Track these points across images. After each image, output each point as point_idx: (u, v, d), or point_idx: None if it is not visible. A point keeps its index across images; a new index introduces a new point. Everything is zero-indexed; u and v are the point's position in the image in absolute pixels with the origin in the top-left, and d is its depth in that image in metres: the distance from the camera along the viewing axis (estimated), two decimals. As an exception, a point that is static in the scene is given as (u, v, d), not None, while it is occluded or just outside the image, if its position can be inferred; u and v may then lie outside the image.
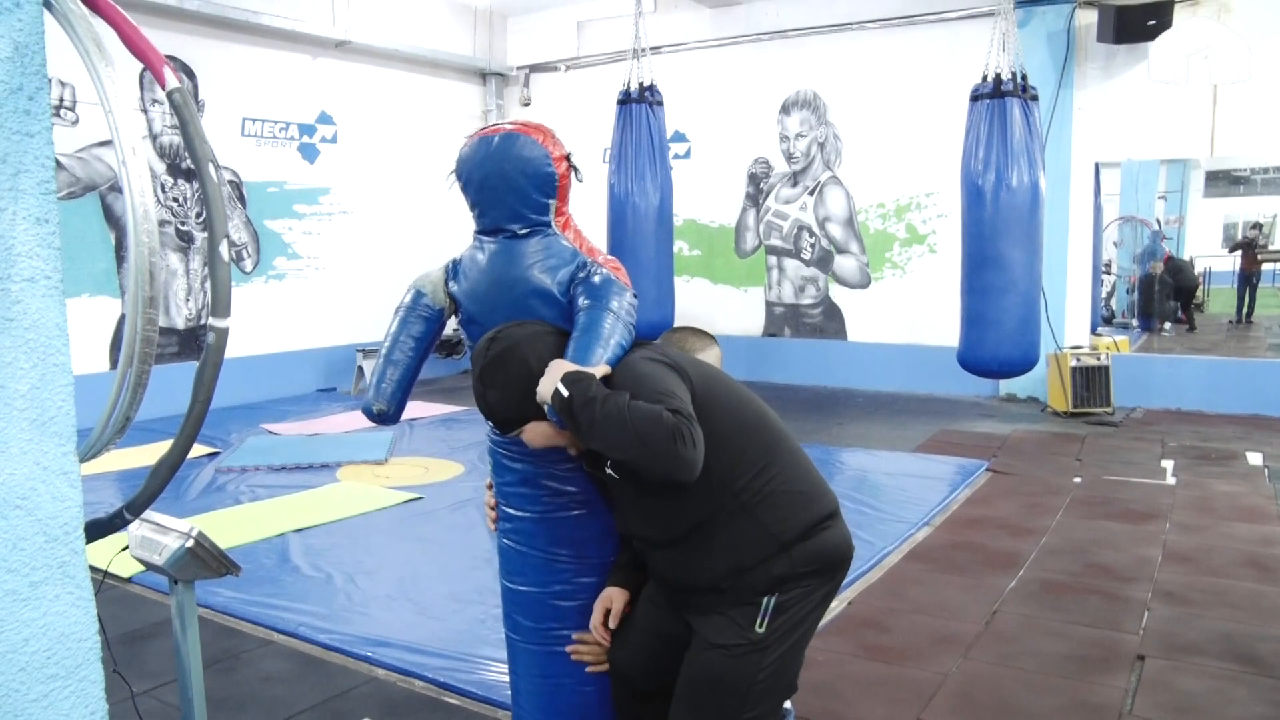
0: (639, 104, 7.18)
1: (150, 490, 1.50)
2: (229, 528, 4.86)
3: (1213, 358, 9.97)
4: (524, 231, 2.13)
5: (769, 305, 9.93)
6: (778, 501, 1.96)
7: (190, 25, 8.19)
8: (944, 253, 8.58)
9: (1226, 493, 5.49)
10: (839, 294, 9.51)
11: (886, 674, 3.31)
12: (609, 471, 1.98)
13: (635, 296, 2.13)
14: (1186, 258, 14.95)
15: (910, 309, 9.05)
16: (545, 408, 1.90)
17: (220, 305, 1.43)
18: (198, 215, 8.40)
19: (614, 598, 2.17)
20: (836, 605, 3.84)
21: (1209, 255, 17.10)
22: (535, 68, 11.01)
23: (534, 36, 10.95)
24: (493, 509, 2.34)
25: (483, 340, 2.01)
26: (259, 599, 4.00)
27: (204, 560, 2.13)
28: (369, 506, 5.38)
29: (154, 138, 8.14)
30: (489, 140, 2.14)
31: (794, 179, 9.62)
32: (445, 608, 3.94)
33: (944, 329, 7.88)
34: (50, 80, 1.29)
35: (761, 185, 9.83)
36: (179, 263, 8.36)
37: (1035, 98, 5.70)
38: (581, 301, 2.06)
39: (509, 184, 2.10)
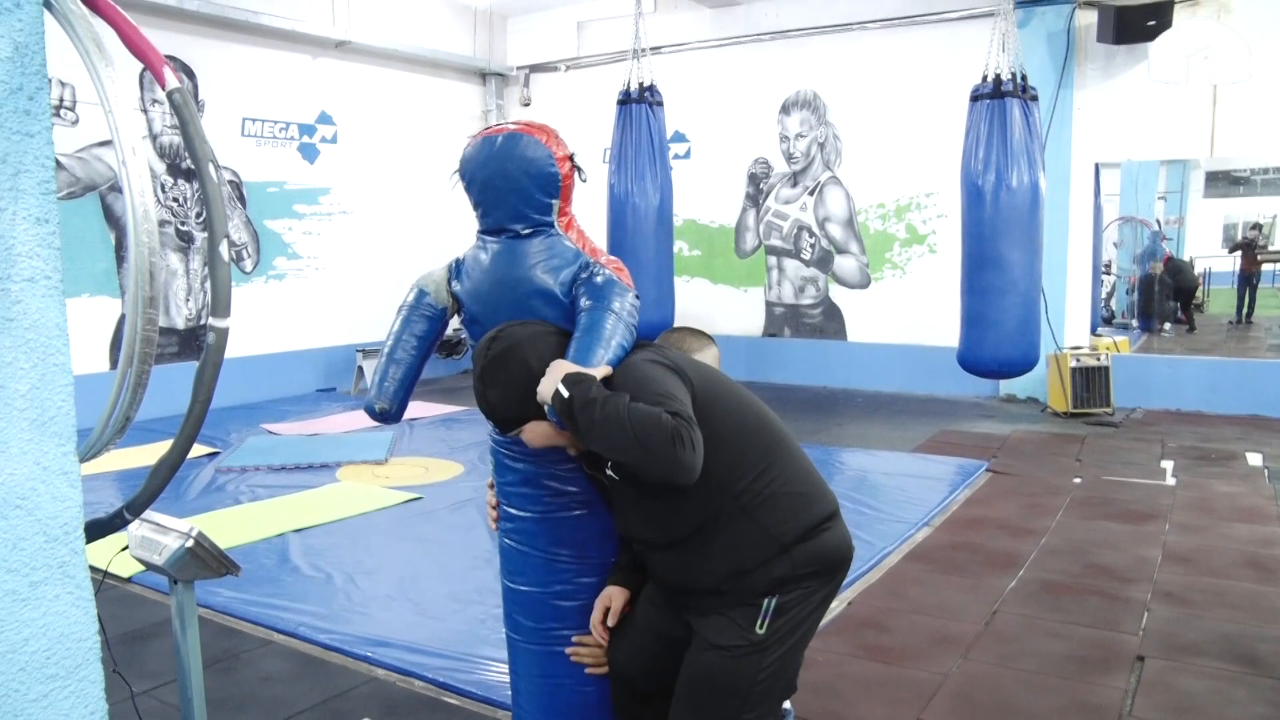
0: (639, 104, 7.18)
1: (150, 490, 1.50)
2: (229, 528, 4.86)
3: (1213, 358, 9.97)
4: (527, 231, 2.13)
5: (769, 305, 9.93)
6: (778, 503, 1.96)
7: (190, 25, 8.19)
8: (944, 253, 8.58)
9: (1226, 493, 5.49)
10: (839, 294, 9.51)
11: (886, 674, 3.31)
12: (609, 473, 1.98)
13: (637, 298, 2.13)
14: (1186, 258, 14.95)
15: (910, 309, 9.05)
16: (545, 408, 1.90)
17: (220, 305, 1.43)
18: (198, 215, 8.40)
19: (614, 596, 2.17)
20: (836, 605, 3.84)
21: (1209, 256, 17.10)
22: (535, 68, 11.01)
23: (534, 37, 10.95)
24: (494, 508, 2.34)
25: (484, 339, 2.02)
26: (259, 599, 4.00)
27: (204, 560, 2.13)
28: (369, 506, 5.38)
29: (154, 138, 8.14)
30: (492, 140, 2.14)
31: (794, 179, 9.62)
32: (445, 608, 3.93)
33: (944, 329, 7.88)
34: (50, 80, 1.29)
35: (761, 185, 9.83)
36: (179, 263, 8.36)
37: (1035, 98, 5.70)
38: (583, 302, 2.06)
39: (512, 184, 2.10)
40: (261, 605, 3.94)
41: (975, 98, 5.68)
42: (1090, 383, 7.78)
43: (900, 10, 8.76)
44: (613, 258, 2.19)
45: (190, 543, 2.10)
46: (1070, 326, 8.25)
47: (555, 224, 2.15)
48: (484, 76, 11.06)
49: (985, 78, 5.64)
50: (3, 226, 1.22)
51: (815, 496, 2.03)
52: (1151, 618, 3.75)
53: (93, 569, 1.39)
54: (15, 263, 1.23)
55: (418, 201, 10.21)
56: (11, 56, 1.22)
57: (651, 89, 7.24)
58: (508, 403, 1.97)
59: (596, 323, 2.02)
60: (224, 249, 1.43)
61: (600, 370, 1.93)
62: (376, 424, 6.90)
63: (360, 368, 9.26)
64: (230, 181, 8.70)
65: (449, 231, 9.71)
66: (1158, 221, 13.79)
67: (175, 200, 8.29)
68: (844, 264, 9.44)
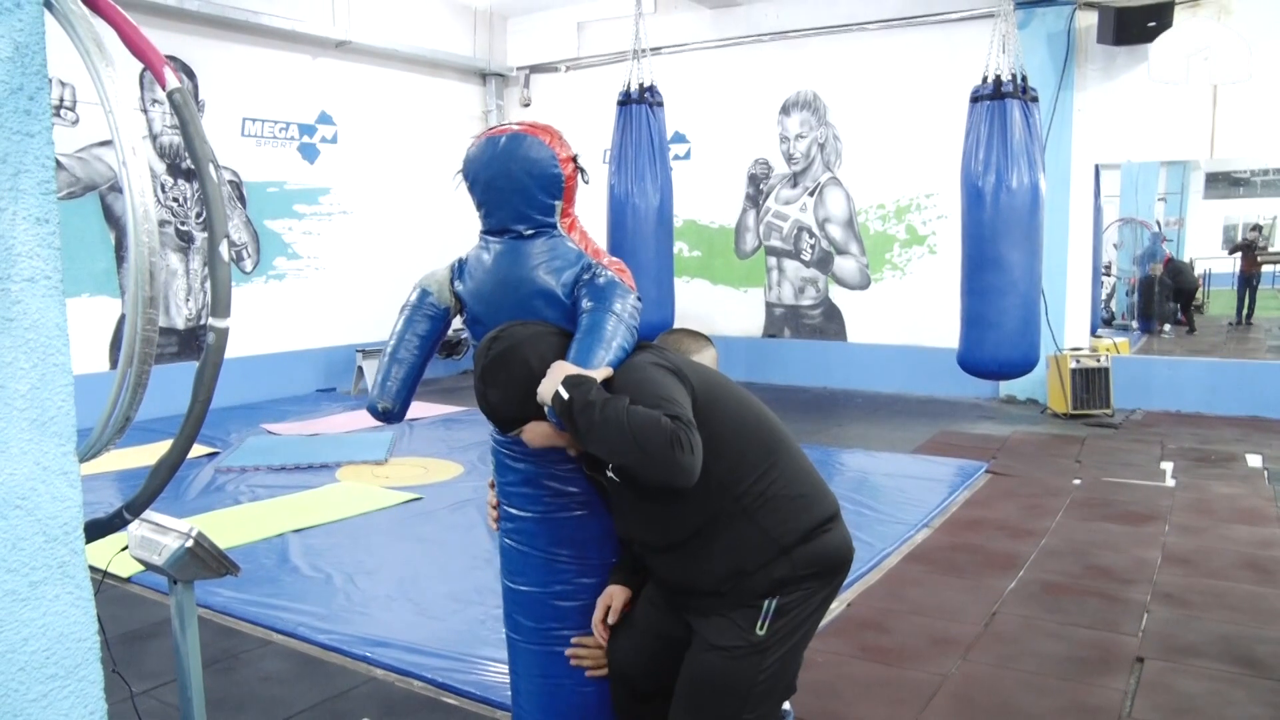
0: (639, 105, 7.18)
1: (150, 490, 1.50)
2: (228, 528, 4.86)
3: (1212, 359, 9.97)
4: (530, 232, 2.13)
5: (769, 306, 9.93)
6: (778, 505, 1.96)
7: (190, 25, 8.19)
8: (944, 254, 8.58)
9: (1226, 495, 5.49)
10: (839, 295, 9.51)
11: (886, 675, 3.31)
12: (610, 475, 1.98)
13: (639, 299, 2.13)
14: (1186, 259, 14.95)
15: (910, 310, 9.05)
16: (545, 409, 1.90)
17: (220, 305, 1.43)
18: (198, 215, 8.40)
19: (614, 595, 2.17)
20: (836, 606, 3.84)
21: (1209, 257, 17.09)
22: (535, 68, 11.01)
23: (534, 37, 10.95)
24: (494, 508, 2.34)
25: (485, 339, 2.02)
26: (258, 599, 4.00)
27: (203, 560, 2.13)
28: (368, 507, 5.38)
29: (154, 138, 8.15)
30: (496, 140, 2.14)
31: (794, 180, 9.63)
32: (445, 608, 3.93)
33: (944, 330, 7.88)
34: (50, 80, 1.29)
35: (761, 186, 9.83)
36: (179, 263, 8.36)
37: (1035, 99, 5.70)
38: (585, 303, 2.07)
39: (515, 184, 2.10)
40: (261, 605, 3.94)
41: (975, 99, 5.68)
42: (1090, 384, 7.78)
43: (900, 11, 8.76)
44: (615, 259, 2.20)
45: (190, 543, 2.10)
46: (1070, 328, 8.25)
47: (558, 225, 2.16)
48: (484, 77, 11.07)
49: (985, 79, 5.64)
50: (3, 226, 1.22)
51: (816, 498, 2.03)
52: (1151, 619, 3.75)
53: (92, 569, 1.39)
54: (15, 262, 1.23)
55: (418, 202, 10.21)
56: (12, 56, 1.22)
57: (652, 89, 7.24)
58: (508, 403, 1.97)
59: (598, 324, 2.02)
60: (224, 249, 1.43)
61: (601, 372, 1.93)
62: (376, 424, 6.91)
63: (360, 368, 9.26)
64: (230, 181, 8.70)
65: (449, 232, 9.71)
66: (1158, 223, 13.78)
67: (175, 200, 8.29)
68: (844, 265, 9.44)
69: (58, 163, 6.80)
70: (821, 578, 2.00)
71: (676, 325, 7.27)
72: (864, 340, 9.37)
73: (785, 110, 9.57)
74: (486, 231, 2.19)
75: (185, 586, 2.20)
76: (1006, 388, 8.56)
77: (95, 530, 1.45)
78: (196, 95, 8.32)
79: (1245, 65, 6.88)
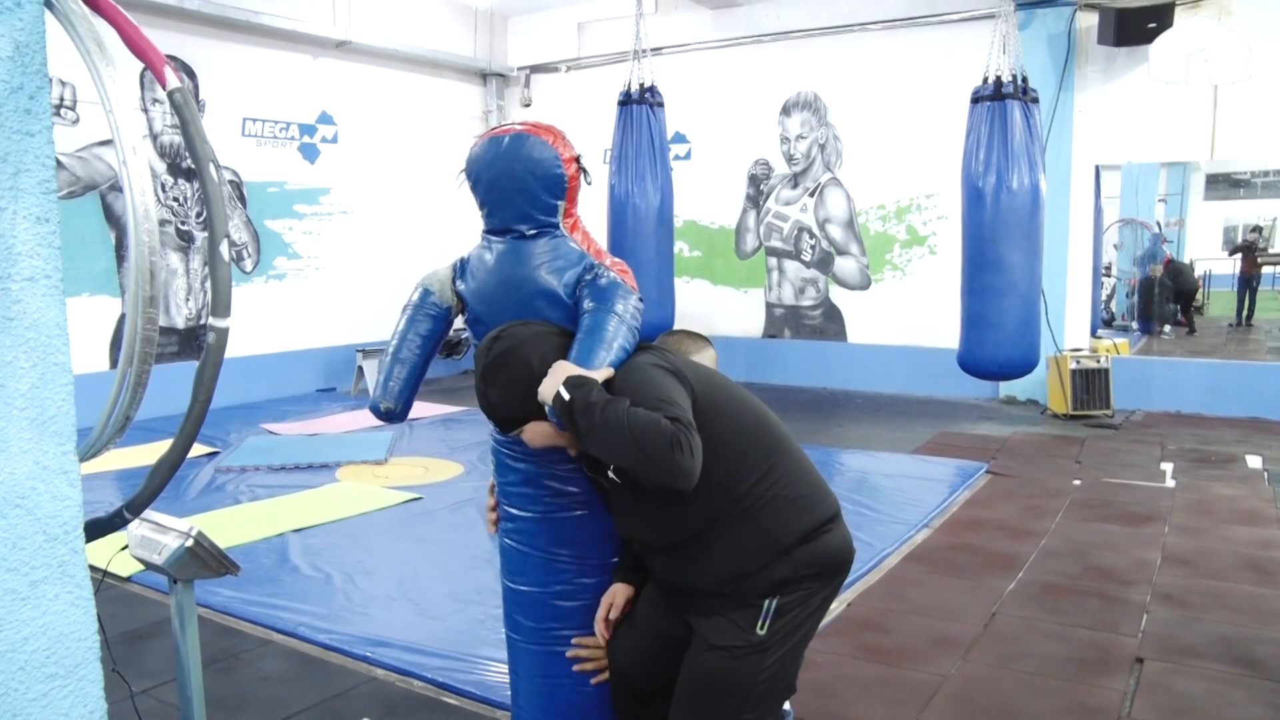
0: (640, 105, 7.18)
1: (150, 490, 1.50)
2: (228, 527, 4.86)
3: (1212, 361, 9.97)
4: (532, 232, 2.13)
5: (769, 307, 9.93)
6: (779, 506, 1.96)
7: (191, 25, 8.19)
8: (944, 254, 8.58)
9: (1226, 496, 5.49)
10: (839, 295, 9.51)
11: (885, 675, 3.31)
12: (611, 476, 1.98)
13: (641, 300, 2.13)
14: (1187, 260, 14.95)
15: (910, 311, 9.05)
16: (546, 409, 1.90)
17: (220, 305, 1.43)
18: (198, 215, 8.40)
19: (617, 593, 2.18)
20: (836, 607, 3.84)
21: (1209, 258, 17.08)
22: (536, 68, 11.01)
23: (535, 37, 10.95)
24: (493, 510, 2.34)
25: (486, 339, 2.02)
26: (258, 599, 4.00)
27: (203, 560, 2.13)
28: (368, 506, 5.38)
29: (154, 137, 8.15)
30: (499, 140, 2.14)
31: (794, 180, 9.62)
32: (444, 608, 3.93)
33: (944, 331, 7.88)
34: (51, 79, 1.29)
35: (762, 186, 9.83)
36: (179, 262, 8.36)
37: (1036, 100, 5.70)
38: (587, 304, 2.07)
39: (518, 184, 2.10)
40: (261, 605, 3.94)
41: (976, 99, 5.68)
42: (1090, 385, 7.78)
43: (901, 12, 8.76)
44: (617, 260, 2.20)
45: (190, 542, 2.10)
46: (1070, 328, 8.25)
47: (560, 225, 2.16)
48: (484, 77, 11.07)
49: (986, 79, 5.64)
50: (3, 225, 1.22)
51: (817, 498, 2.03)
52: (1150, 620, 3.75)
53: (92, 568, 1.39)
54: (15, 262, 1.23)
55: (418, 202, 10.21)
56: (12, 55, 1.22)
57: (652, 90, 7.24)
58: (509, 402, 1.97)
59: (599, 324, 2.02)
60: (224, 249, 1.43)
61: (602, 372, 1.93)
62: (376, 424, 6.90)
63: (360, 368, 9.26)
64: (231, 181, 8.70)
65: (450, 232, 9.71)
66: (1158, 224, 13.79)
67: (175, 200, 8.29)
68: (844, 265, 9.44)
69: (58, 162, 6.81)
70: (822, 578, 2.00)
71: (677, 325, 7.28)
72: (864, 341, 9.37)
73: (786, 111, 9.57)
74: (489, 231, 2.19)
75: (185, 586, 2.20)
76: (1006, 388, 8.56)
77: (95, 529, 1.45)
78: (197, 95, 8.32)
79: (1245, 66, 6.88)
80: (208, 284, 7.98)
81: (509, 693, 2.44)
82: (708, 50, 9.83)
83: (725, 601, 1.97)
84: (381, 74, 9.92)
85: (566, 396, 1.82)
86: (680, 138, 9.99)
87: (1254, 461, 6.33)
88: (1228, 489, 5.63)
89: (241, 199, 8.80)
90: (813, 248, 9.59)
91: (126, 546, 2.21)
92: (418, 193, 10.20)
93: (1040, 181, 5.60)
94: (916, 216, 9.00)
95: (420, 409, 8.20)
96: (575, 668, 2.22)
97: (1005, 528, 4.95)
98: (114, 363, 6.81)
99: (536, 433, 1.98)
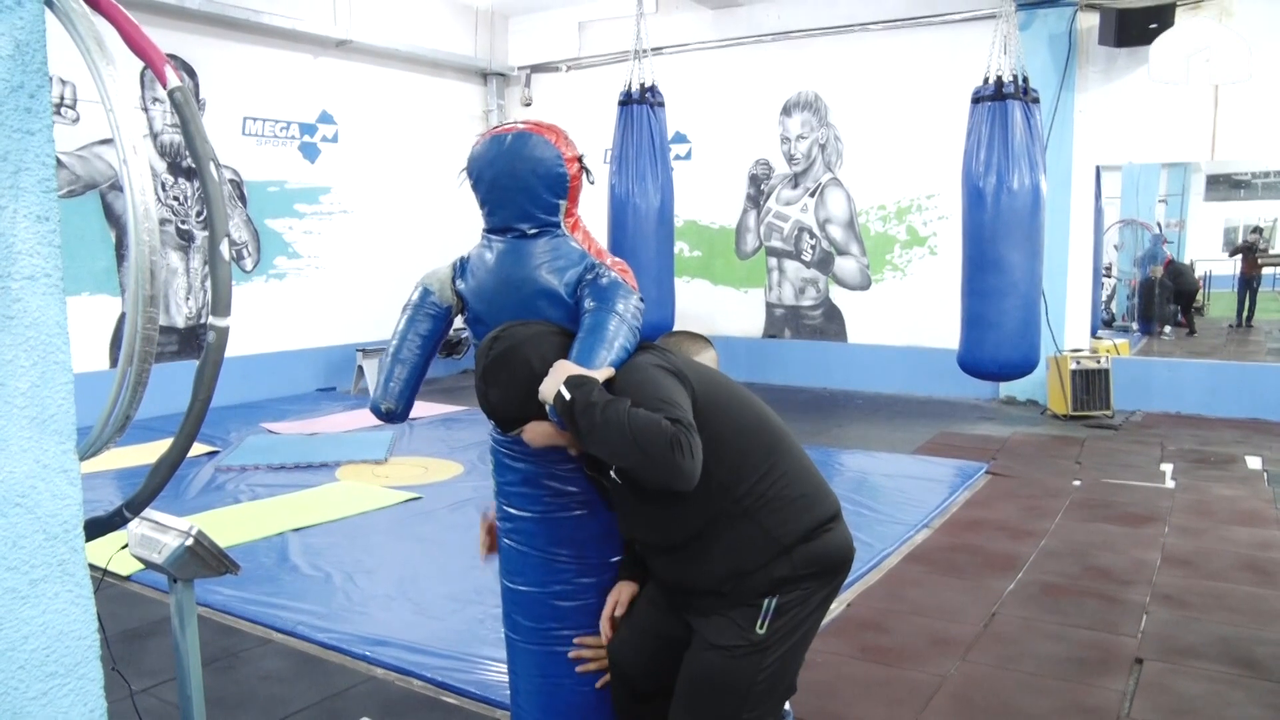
0: (640, 105, 7.17)
1: (150, 488, 1.50)
2: (228, 526, 4.86)
3: (1212, 361, 9.97)
4: (533, 231, 2.13)
5: (769, 307, 9.93)
6: (779, 505, 1.96)
7: (191, 24, 8.19)
8: (944, 255, 8.58)
9: (1225, 496, 5.49)
10: (839, 296, 9.51)
11: (885, 675, 3.31)
12: (613, 476, 1.98)
13: (642, 300, 2.13)
14: (1187, 261, 14.94)
15: (910, 311, 9.05)
16: (546, 409, 1.90)
17: (220, 304, 1.43)
18: (198, 214, 8.40)
19: (623, 590, 2.19)
20: (836, 607, 3.84)
21: (1209, 259, 17.08)
22: (536, 68, 11.01)
23: (535, 37, 10.95)
24: (488, 534, 2.36)
25: (486, 339, 2.02)
26: (258, 598, 4.00)
27: (203, 559, 2.13)
28: (368, 506, 5.38)
29: (155, 136, 8.14)
30: (501, 139, 2.13)
31: (795, 180, 9.62)
32: (444, 607, 3.94)
33: (944, 331, 7.88)
34: (51, 78, 1.29)
35: (762, 186, 9.83)
36: (179, 261, 8.36)
37: (1036, 100, 5.69)
38: (588, 303, 2.06)
39: (520, 183, 2.10)
40: (261, 604, 3.94)
41: (976, 100, 5.67)
42: (1090, 385, 7.78)
43: (902, 12, 8.76)
44: (618, 259, 2.19)
45: (190, 541, 2.10)
46: (1070, 329, 8.25)
47: (562, 225, 2.15)
48: (485, 76, 11.07)
49: (986, 80, 5.64)
50: (3, 224, 1.22)
51: (817, 498, 2.03)
52: (1150, 620, 3.75)
53: (92, 567, 1.39)
54: (16, 260, 1.23)
55: (418, 201, 10.21)
56: (13, 54, 1.22)
57: (653, 90, 7.23)
58: (509, 402, 1.97)
59: (600, 324, 2.02)
60: (224, 248, 1.43)
61: (603, 372, 1.93)
62: (376, 423, 6.91)
63: (360, 367, 9.26)
64: (231, 180, 8.70)
65: (450, 231, 9.71)
66: (1158, 224, 13.78)
67: (176, 199, 8.29)
68: (844, 265, 9.44)
69: (58, 161, 6.81)
70: (821, 577, 2.00)
71: (677, 325, 7.29)
72: (864, 341, 9.37)
73: (786, 111, 9.57)
74: (489, 230, 2.19)
75: (185, 585, 2.20)
76: (1006, 389, 8.56)
77: (95, 528, 1.46)
78: (197, 94, 8.32)
79: (1246, 66, 6.88)
80: (208, 283, 7.98)
81: (508, 692, 2.44)
82: (708, 50, 9.83)
83: (725, 601, 1.97)
84: (382, 73, 9.92)
85: (567, 396, 1.82)
86: (681, 138, 10.00)
87: (1254, 462, 6.33)
88: (1227, 490, 5.63)
89: (242, 198, 8.80)
90: (813, 248, 9.59)
91: (126, 545, 2.21)
92: (418, 192, 10.20)
93: (1041, 182, 5.60)
94: (917, 217, 9.00)
95: (420, 408, 8.20)
96: (579, 669, 2.22)
97: (1005, 528, 4.95)
98: (114, 361, 6.80)
99: (537, 432, 1.98)
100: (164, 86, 1.39)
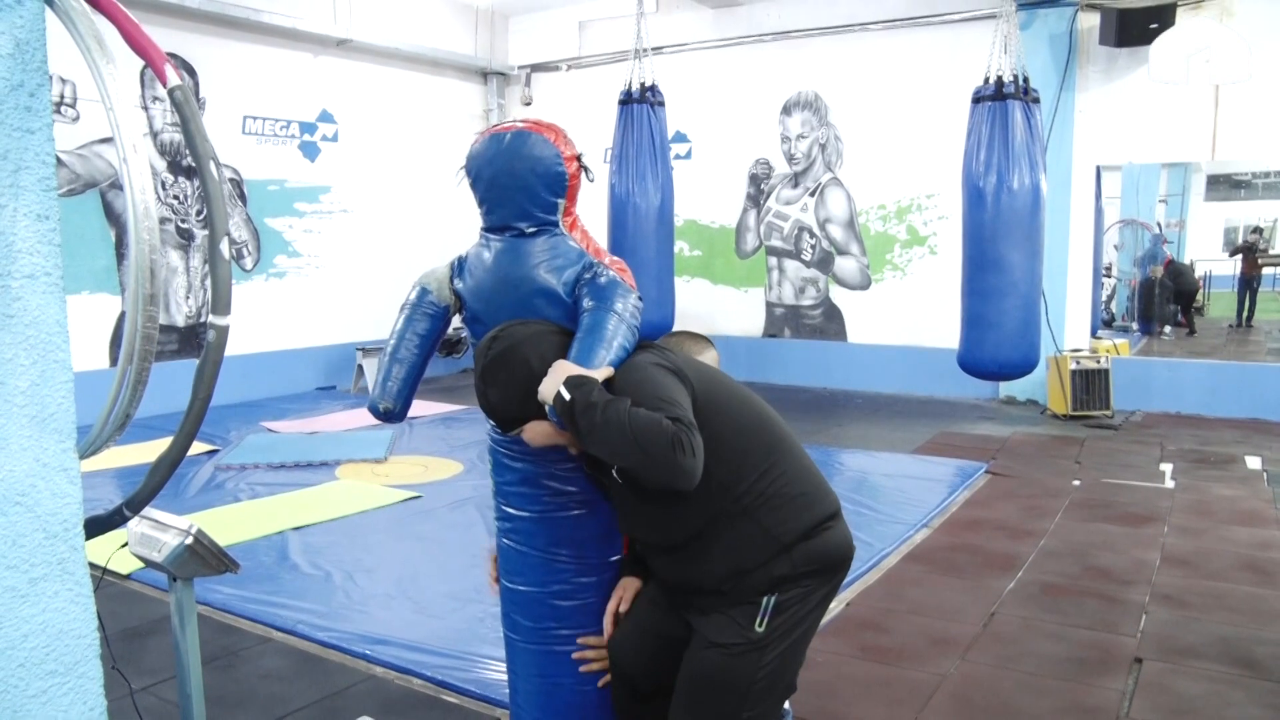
0: (640, 104, 7.17)
1: (150, 487, 1.50)
2: (228, 525, 4.86)
3: (1212, 361, 9.97)
4: (531, 230, 2.13)
5: (769, 306, 9.93)
6: (779, 503, 1.97)
7: (191, 23, 8.19)
8: (944, 255, 8.58)
9: (1225, 496, 5.49)
10: (839, 295, 9.51)
11: (884, 675, 3.31)
12: (614, 476, 1.98)
13: (640, 299, 2.13)
14: (1187, 261, 14.94)
15: (910, 311, 9.05)
16: (546, 408, 1.90)
17: (220, 303, 1.43)
18: (198, 213, 8.40)
19: (627, 586, 2.19)
20: (835, 606, 3.84)
21: (1209, 259, 17.08)
22: (536, 67, 11.01)
23: (535, 36, 10.95)
24: (495, 566, 2.36)
25: (485, 338, 2.01)
26: (258, 596, 4.00)
27: (203, 557, 2.13)
28: (368, 505, 5.38)
29: (155, 135, 8.14)
30: (500, 137, 2.13)
31: (795, 180, 9.62)
32: (444, 606, 3.94)
33: (944, 331, 7.88)
34: (51, 77, 1.29)
35: (762, 186, 9.83)
36: (179, 260, 8.36)
37: (1037, 100, 5.69)
38: (586, 303, 2.06)
39: (519, 182, 2.10)
40: (260, 603, 3.94)
41: (977, 99, 5.67)
42: (1090, 385, 7.78)
43: (902, 12, 8.76)
44: (616, 259, 2.19)
45: (189, 540, 2.10)
46: (1070, 329, 8.25)
47: (560, 223, 2.15)
48: (485, 76, 11.07)
49: (987, 79, 5.64)
50: (3, 223, 1.22)
51: (817, 496, 2.03)
52: (1150, 620, 3.75)
53: (92, 566, 1.39)
54: (16, 259, 1.23)
55: (418, 200, 10.21)
56: (13, 53, 1.22)
57: (653, 89, 7.23)
58: (508, 402, 1.97)
59: (599, 323, 2.02)
60: (224, 247, 1.43)
61: (602, 372, 1.93)
62: (376, 422, 6.91)
63: (360, 366, 9.27)
64: (231, 179, 8.70)
65: (449, 230, 9.71)
66: (1158, 224, 13.78)
67: (176, 198, 8.29)
68: (844, 265, 9.44)
69: (58, 159, 6.80)
70: (821, 575, 2.00)
71: (677, 325, 7.29)
72: (864, 340, 9.37)
73: (786, 110, 9.57)
74: (488, 229, 2.19)
75: (185, 583, 2.20)
76: (1006, 388, 8.56)
77: (95, 527, 1.46)
78: (197, 93, 8.32)
79: (1246, 66, 6.88)
80: (208, 282, 7.98)
81: (508, 692, 2.44)
82: (708, 50, 9.83)
83: (724, 599, 1.98)
84: (382, 72, 9.92)
85: (567, 396, 1.82)
86: (681, 137, 9.99)
87: (1254, 462, 6.33)
88: (1227, 490, 5.64)
89: (242, 197, 8.80)
90: (813, 247, 9.59)
91: (126, 544, 2.21)
92: (418, 191, 10.20)
93: (1041, 182, 5.60)
94: (917, 216, 9.00)
95: (420, 407, 8.21)
96: (582, 669, 2.22)
97: (1005, 528, 4.96)
98: (114, 360, 6.79)
99: (537, 432, 1.98)
100: (164, 85, 1.39)
